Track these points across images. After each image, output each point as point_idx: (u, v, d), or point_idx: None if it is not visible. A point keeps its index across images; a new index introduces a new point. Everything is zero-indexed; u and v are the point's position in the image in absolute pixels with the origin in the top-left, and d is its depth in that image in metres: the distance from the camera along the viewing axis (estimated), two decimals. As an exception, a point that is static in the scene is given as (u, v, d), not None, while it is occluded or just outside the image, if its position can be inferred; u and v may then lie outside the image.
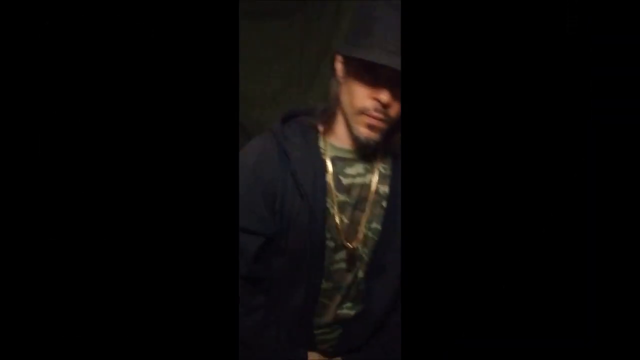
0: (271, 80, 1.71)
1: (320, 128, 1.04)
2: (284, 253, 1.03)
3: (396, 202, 1.04)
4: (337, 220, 1.02)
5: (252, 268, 1.02)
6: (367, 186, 1.04)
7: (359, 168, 1.04)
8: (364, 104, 0.95)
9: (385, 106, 0.94)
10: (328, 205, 1.02)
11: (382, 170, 1.05)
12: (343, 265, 1.04)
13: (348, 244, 1.02)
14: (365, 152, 1.03)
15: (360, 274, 1.05)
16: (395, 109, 0.97)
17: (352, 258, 1.04)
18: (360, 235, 1.03)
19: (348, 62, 0.96)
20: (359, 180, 1.03)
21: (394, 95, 0.95)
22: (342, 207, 1.02)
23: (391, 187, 1.05)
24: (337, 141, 1.03)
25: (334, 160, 1.03)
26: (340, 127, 1.02)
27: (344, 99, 0.98)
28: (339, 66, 0.99)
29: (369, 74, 0.93)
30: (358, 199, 1.03)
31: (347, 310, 1.07)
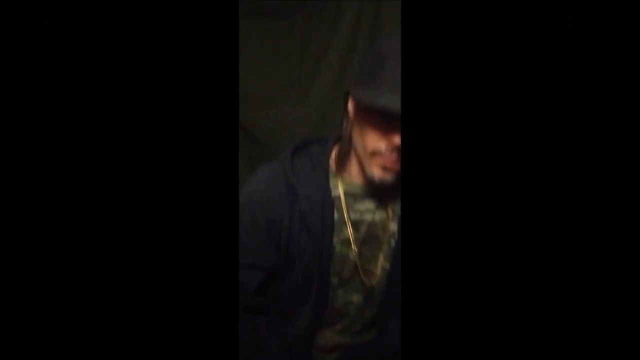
0: (271, 80, 1.71)
1: (332, 162, 1.02)
2: (287, 286, 1.01)
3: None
4: (343, 257, 1.00)
5: (252, 300, 1.01)
6: (376, 223, 1.02)
7: (369, 204, 1.02)
8: (376, 145, 0.93)
9: (395, 148, 0.92)
10: (335, 243, 1.00)
11: (394, 208, 1.03)
12: (346, 300, 1.04)
13: (365, 279, 1.01)
14: (377, 190, 1.01)
15: (368, 312, 1.04)
16: None
17: (368, 294, 1.03)
18: (374, 272, 1.02)
19: (359, 102, 0.94)
20: (368, 216, 1.02)
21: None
22: (349, 243, 1.01)
23: (401, 224, 1.02)
24: (348, 177, 1.01)
25: (344, 196, 1.01)
26: (353, 166, 1.00)
27: (357, 139, 0.96)
28: (350, 106, 0.97)
29: (381, 116, 0.90)
30: (366, 235, 1.02)
31: (350, 337, 1.07)
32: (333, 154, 1.03)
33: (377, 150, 0.93)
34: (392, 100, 0.86)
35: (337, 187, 1.01)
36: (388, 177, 0.95)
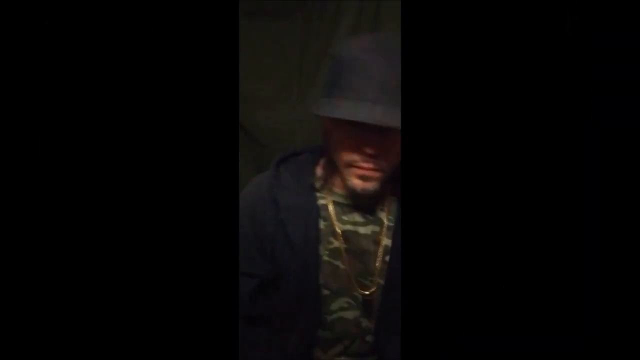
0: (271, 80, 1.71)
1: (320, 170, 0.99)
2: (279, 296, 0.98)
3: (399, 256, 0.96)
4: (333, 267, 0.96)
5: (249, 308, 0.98)
6: (367, 236, 0.98)
7: (358, 216, 0.98)
8: (350, 157, 0.90)
9: (373, 157, 0.89)
10: (322, 253, 0.96)
11: (387, 222, 0.98)
12: (343, 314, 0.98)
13: (361, 290, 0.96)
14: (366, 202, 0.97)
15: (365, 323, 0.99)
16: (389, 157, 0.91)
17: (365, 306, 0.98)
18: (367, 286, 0.97)
19: (322, 115, 0.90)
20: (361, 230, 0.98)
21: (382, 145, 0.89)
22: (339, 254, 0.96)
23: (395, 240, 0.98)
24: (335, 187, 0.98)
25: (333, 206, 0.97)
26: (337, 177, 0.97)
27: (332, 150, 0.94)
28: (323, 118, 0.92)
29: (351, 126, 0.87)
30: (358, 247, 0.97)
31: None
32: (322, 163, 1.00)
33: (352, 161, 0.90)
34: (359, 112, 0.83)
35: (325, 197, 0.98)
36: (369, 186, 0.92)
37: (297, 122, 1.67)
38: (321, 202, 0.98)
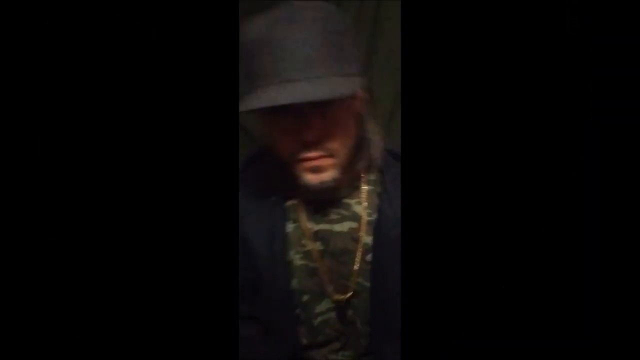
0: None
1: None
2: (260, 301, 0.91)
3: (383, 254, 0.87)
4: (308, 270, 0.88)
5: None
6: (345, 235, 0.88)
7: (333, 213, 0.88)
8: (291, 150, 0.80)
9: (316, 143, 0.79)
10: (292, 256, 0.88)
11: (366, 217, 0.88)
12: (328, 316, 0.90)
13: (337, 296, 0.87)
14: (338, 196, 0.87)
15: (359, 324, 0.90)
16: (337, 137, 0.80)
17: (343, 311, 0.89)
18: (349, 287, 0.88)
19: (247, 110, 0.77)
20: (336, 228, 0.88)
21: (324, 125, 0.78)
22: (312, 256, 0.87)
23: (376, 234, 0.87)
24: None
25: (303, 204, 0.88)
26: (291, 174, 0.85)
27: (276, 149, 0.83)
28: (257, 119, 0.83)
29: (281, 115, 0.78)
30: (336, 247, 0.88)
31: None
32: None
33: (296, 155, 0.80)
34: (272, 95, 0.74)
35: (297, 195, 0.89)
36: (325, 177, 0.81)
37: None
38: (291, 202, 0.90)
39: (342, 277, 0.89)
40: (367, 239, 0.88)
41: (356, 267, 0.88)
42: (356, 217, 0.89)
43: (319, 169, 0.81)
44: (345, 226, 0.89)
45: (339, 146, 0.81)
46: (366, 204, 0.89)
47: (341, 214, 0.89)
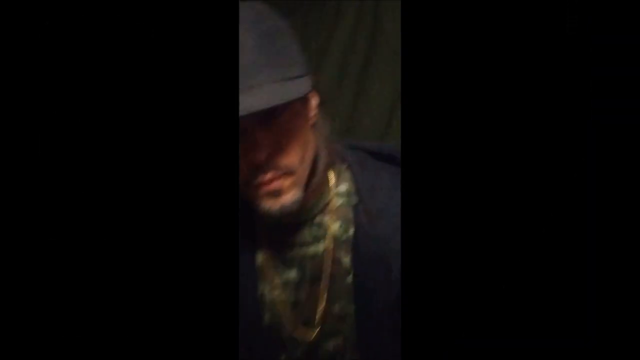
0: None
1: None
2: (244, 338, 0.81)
3: (365, 273, 0.77)
4: (283, 305, 0.79)
5: None
6: (320, 257, 0.78)
7: (305, 234, 0.79)
8: (243, 175, 0.70)
9: (268, 162, 0.69)
10: (263, 289, 0.79)
11: (340, 233, 0.78)
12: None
13: (301, 335, 0.77)
14: (306, 214, 0.77)
15: (348, 353, 0.80)
16: (289, 150, 0.70)
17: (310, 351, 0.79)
18: (321, 321, 0.78)
19: None
20: (311, 250, 0.79)
21: (272, 140, 0.69)
22: (288, 287, 0.78)
23: (355, 253, 0.77)
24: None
25: (270, 230, 0.78)
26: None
27: None
28: None
29: None
30: (313, 274, 0.78)
31: None
32: None
33: (246, 180, 0.71)
34: None
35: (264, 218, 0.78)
36: (287, 200, 0.72)
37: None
38: (258, 229, 0.80)
39: (322, 305, 0.79)
40: (345, 258, 0.79)
41: (334, 287, 0.78)
42: (332, 236, 0.79)
43: (278, 192, 0.71)
44: (320, 247, 0.79)
45: (296, 160, 0.72)
46: (339, 221, 0.79)
47: (314, 234, 0.79)
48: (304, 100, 0.74)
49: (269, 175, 0.70)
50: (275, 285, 0.79)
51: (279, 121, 0.70)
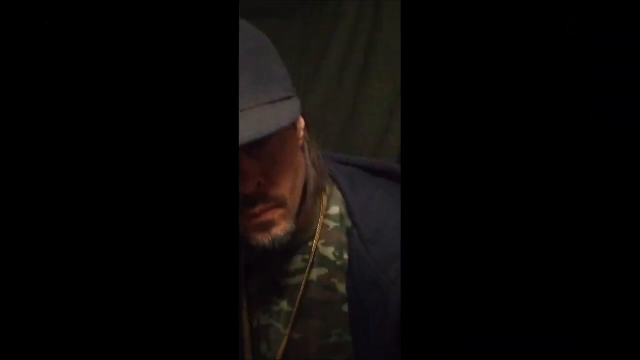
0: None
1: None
2: None
3: (360, 300, 0.73)
4: (277, 333, 0.74)
5: None
6: (315, 285, 0.74)
7: (297, 261, 0.75)
8: None
9: (257, 194, 0.66)
10: (260, 319, 0.75)
11: (333, 258, 0.74)
12: None
13: None
14: (298, 241, 0.73)
15: None
16: (280, 182, 0.67)
17: None
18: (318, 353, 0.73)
19: None
20: (304, 277, 0.74)
21: (262, 171, 0.66)
22: (281, 318, 0.74)
23: (350, 279, 0.74)
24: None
25: (259, 261, 0.75)
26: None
27: None
28: None
29: None
30: (309, 304, 0.75)
31: None
32: None
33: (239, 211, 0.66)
34: None
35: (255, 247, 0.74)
36: (279, 232, 0.68)
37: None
38: (251, 258, 0.76)
39: (318, 335, 0.75)
40: (340, 285, 0.75)
41: (329, 317, 0.75)
42: (325, 262, 0.75)
43: (270, 224, 0.68)
44: (314, 275, 0.75)
45: (286, 191, 0.68)
46: (333, 245, 0.74)
47: (307, 260, 0.75)
48: (294, 124, 0.70)
49: (258, 208, 0.67)
50: (269, 316, 0.76)
51: (268, 149, 0.66)
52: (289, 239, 0.70)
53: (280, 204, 0.68)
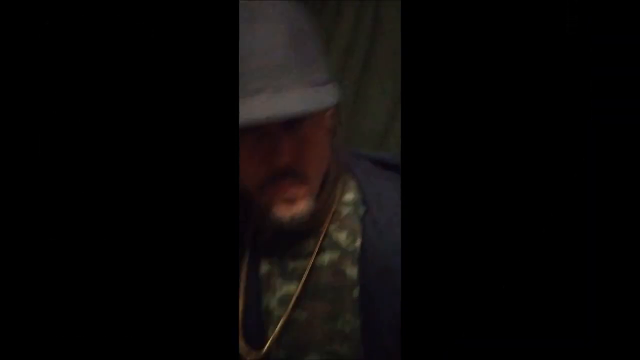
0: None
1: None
2: None
3: (371, 286, 0.74)
4: (290, 320, 0.74)
5: None
6: (325, 269, 0.75)
7: (309, 244, 0.76)
8: (258, 178, 0.69)
9: (287, 169, 0.68)
10: (268, 302, 0.76)
11: (345, 243, 0.76)
12: None
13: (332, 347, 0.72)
14: (312, 224, 0.74)
15: None
16: (309, 160, 0.70)
17: None
18: (344, 336, 0.74)
19: None
20: (315, 262, 0.75)
21: (295, 148, 0.68)
22: (289, 300, 0.75)
23: (362, 264, 0.75)
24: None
25: (271, 242, 0.76)
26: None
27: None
28: None
29: (243, 137, 0.67)
30: (319, 287, 0.75)
31: None
32: None
33: (265, 182, 0.69)
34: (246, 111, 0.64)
35: (262, 229, 0.77)
36: (299, 210, 0.70)
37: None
38: (263, 236, 0.78)
39: (325, 319, 0.76)
40: (350, 270, 0.75)
41: (347, 302, 0.75)
42: (337, 247, 0.76)
43: (292, 200, 0.70)
44: (325, 259, 0.76)
45: (312, 171, 0.71)
46: (346, 230, 0.76)
47: (319, 244, 0.76)
48: (327, 109, 0.73)
49: (286, 182, 0.69)
50: (279, 299, 0.77)
51: (303, 128, 0.69)
52: (307, 220, 0.72)
53: (305, 181, 0.70)
